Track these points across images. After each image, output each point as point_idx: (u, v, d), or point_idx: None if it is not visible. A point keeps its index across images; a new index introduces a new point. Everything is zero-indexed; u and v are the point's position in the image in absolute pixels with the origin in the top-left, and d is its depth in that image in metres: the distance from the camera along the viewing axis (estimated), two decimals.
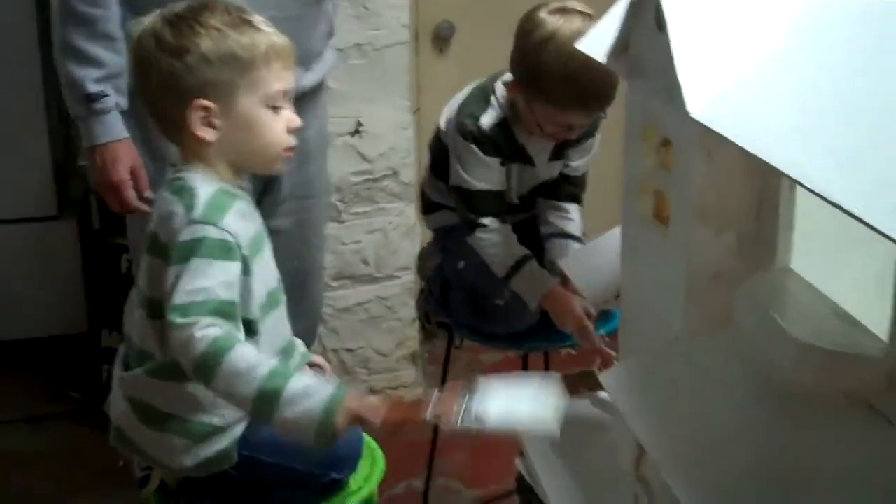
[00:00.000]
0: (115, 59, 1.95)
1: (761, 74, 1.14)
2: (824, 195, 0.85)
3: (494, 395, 1.37)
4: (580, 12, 1.93)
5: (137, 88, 1.53)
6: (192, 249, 1.41)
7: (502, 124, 2.01)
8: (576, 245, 2.07)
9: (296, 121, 1.51)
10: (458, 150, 2.06)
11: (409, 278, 2.94)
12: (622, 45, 1.36)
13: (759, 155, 1.03)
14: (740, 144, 1.07)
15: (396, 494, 2.51)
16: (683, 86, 1.14)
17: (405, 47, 2.77)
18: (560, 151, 2.07)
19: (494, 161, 2.03)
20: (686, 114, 1.14)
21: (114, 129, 1.97)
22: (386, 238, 2.88)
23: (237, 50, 1.43)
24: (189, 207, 1.44)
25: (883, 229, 0.75)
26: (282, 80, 1.48)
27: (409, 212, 2.89)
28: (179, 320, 1.37)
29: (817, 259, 1.19)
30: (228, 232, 1.43)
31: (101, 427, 2.78)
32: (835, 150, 0.92)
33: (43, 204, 3.14)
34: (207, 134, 1.44)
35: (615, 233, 1.55)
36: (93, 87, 1.94)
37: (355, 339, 2.88)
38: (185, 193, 1.45)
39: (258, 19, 1.49)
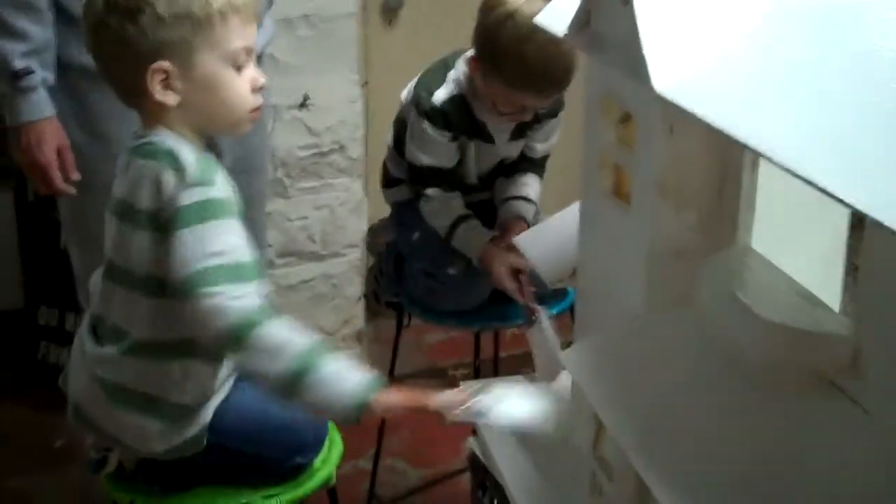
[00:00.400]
0: (41, 31, 1.86)
1: (725, 50, 1.13)
2: (785, 164, 0.84)
3: (499, 394, 1.38)
4: None
5: (91, 53, 1.46)
6: (201, 212, 1.35)
7: (457, 100, 1.98)
8: (528, 206, 2.06)
9: (260, 79, 1.45)
10: (411, 124, 2.03)
11: (356, 256, 2.91)
12: (584, 19, 1.34)
13: (722, 128, 1.01)
14: (703, 118, 1.06)
15: (344, 474, 2.48)
16: (648, 61, 1.13)
17: (353, 18, 2.72)
18: (521, 131, 2.05)
19: (444, 136, 2.01)
20: (650, 89, 1.12)
21: (40, 107, 1.88)
22: (333, 214, 2.84)
23: (192, 7, 1.37)
24: (180, 170, 1.37)
25: (842, 196, 0.74)
26: (242, 36, 1.41)
27: (357, 187, 2.85)
28: (205, 289, 1.32)
29: (778, 237, 1.18)
30: (226, 188, 1.39)
31: (36, 405, 2.73)
32: (798, 123, 0.91)
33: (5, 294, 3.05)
34: (168, 98, 1.38)
35: (573, 209, 1.54)
36: (18, 63, 1.85)
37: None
38: (166, 157, 1.38)
39: None
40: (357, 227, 2.88)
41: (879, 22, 0.91)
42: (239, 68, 1.42)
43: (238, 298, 1.32)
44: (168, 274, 1.36)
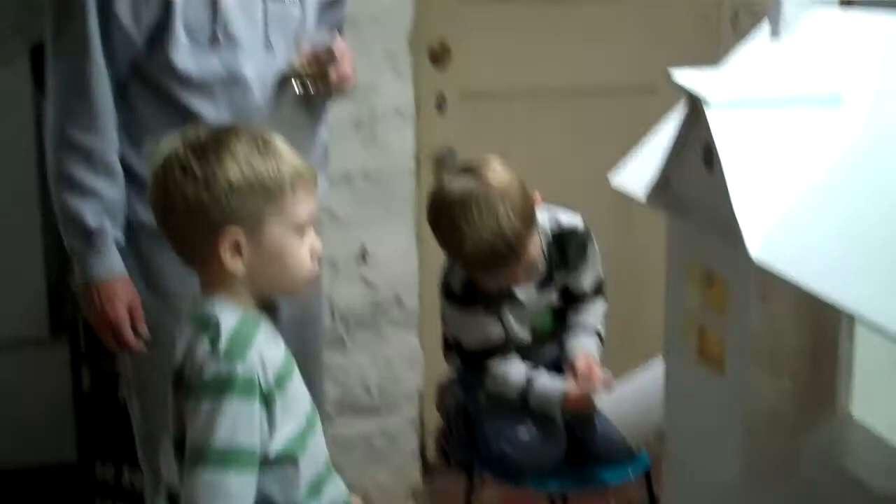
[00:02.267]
0: (115, 191, 1.90)
1: (812, 209, 1.13)
2: (885, 329, 0.82)
3: None
4: (476, 174, 1.92)
5: (160, 218, 1.48)
6: (220, 388, 1.36)
7: (470, 279, 2.01)
8: (589, 340, 2.05)
9: (319, 245, 1.48)
10: (444, 312, 2.09)
11: (413, 409, 2.88)
12: (664, 181, 1.35)
13: (821, 294, 1.00)
14: (800, 284, 1.05)
15: None
16: (743, 227, 1.12)
17: (410, 174, 2.77)
18: (548, 280, 2.04)
19: (478, 312, 2.02)
20: (745, 255, 1.12)
21: (112, 264, 1.91)
22: (389, 368, 2.83)
23: (265, 177, 1.40)
24: (213, 341, 1.39)
25: None
26: (307, 205, 1.45)
27: (413, 341, 2.84)
28: (201, 468, 1.34)
29: (878, 404, 1.16)
30: (255, 366, 1.39)
31: None
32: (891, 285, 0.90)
33: (35, 325, 3.08)
34: (236, 264, 1.40)
35: (655, 369, 1.52)
36: (92, 221, 1.88)
37: (356, 473, 2.80)
38: (208, 327, 1.40)
39: (280, 144, 1.46)
40: (413, 381, 2.86)
41: None
42: (302, 235, 1.44)
43: (229, 492, 1.35)
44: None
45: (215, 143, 1.40)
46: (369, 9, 2.57)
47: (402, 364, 2.85)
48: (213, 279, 1.43)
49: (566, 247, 2.03)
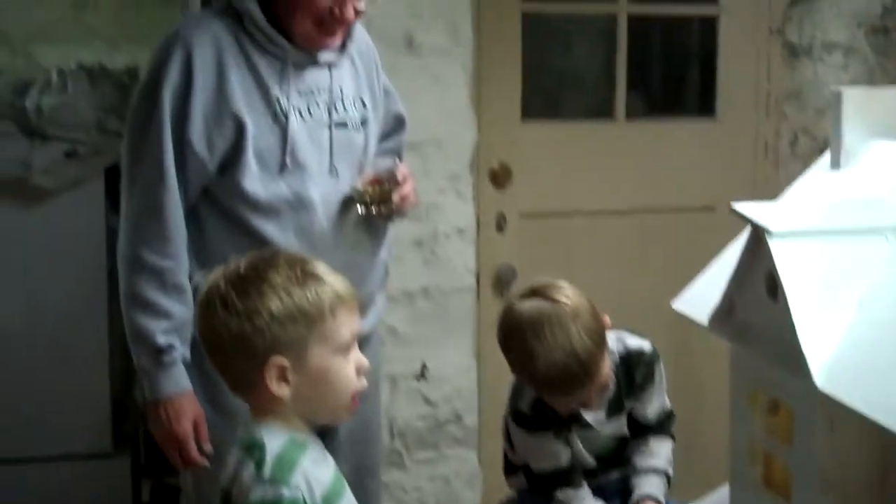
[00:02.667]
0: (184, 310, 1.95)
1: (876, 339, 1.15)
2: None
3: None
4: (547, 297, 1.91)
5: (207, 349, 1.51)
6: None
7: (541, 401, 2.00)
8: (655, 478, 2.02)
9: (365, 362, 1.49)
10: (513, 435, 2.07)
11: None
12: (727, 309, 1.37)
13: (888, 426, 1.01)
14: (867, 415, 1.06)
15: None
16: (808, 357, 1.14)
17: (470, 291, 2.81)
18: (617, 407, 2.04)
19: (547, 436, 2.01)
20: (811, 385, 1.13)
21: (179, 381, 1.95)
22: (448, 486, 2.82)
23: (305, 305, 1.42)
24: (259, 465, 1.40)
25: None
26: (350, 325, 1.47)
27: (472, 458, 2.84)
28: None
29: None
30: (300, 489, 1.40)
31: None
32: None
33: (98, 439, 3.12)
34: (283, 390, 1.42)
35: (721, 499, 1.51)
36: (161, 340, 1.93)
37: None
38: (254, 451, 1.42)
39: (320, 268, 1.49)
40: (472, 500, 2.85)
41: None
42: (346, 354, 1.47)
43: None
44: None
45: (255, 275, 1.43)
46: (433, 134, 2.66)
47: (461, 482, 2.85)
48: (262, 405, 1.45)
49: (634, 370, 2.03)
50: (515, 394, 2.04)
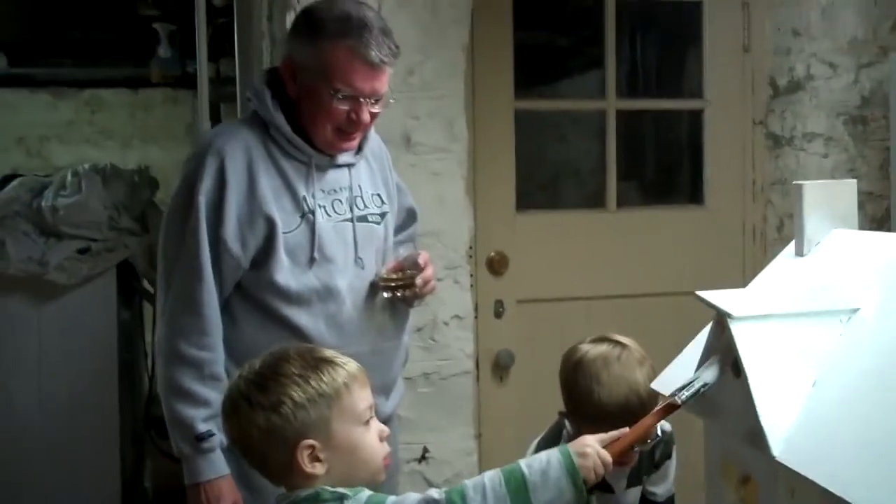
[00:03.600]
0: (221, 397, 2.05)
1: (830, 413, 1.24)
2: None
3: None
4: (614, 341, 2.02)
5: (241, 449, 1.61)
6: None
7: None
8: None
9: (385, 429, 1.61)
10: None
11: None
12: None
13: (841, 497, 1.11)
14: (822, 485, 1.15)
15: None
16: (766, 431, 1.24)
17: (469, 376, 2.91)
18: (638, 476, 2.13)
19: None
20: (770, 457, 1.23)
21: (218, 465, 2.05)
22: None
23: (322, 387, 1.54)
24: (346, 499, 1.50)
25: None
26: (364, 398, 1.58)
27: None
28: None
29: None
30: None
31: None
32: None
33: None
34: (318, 469, 1.53)
35: None
36: (201, 427, 2.03)
37: None
38: (334, 497, 1.51)
39: (328, 353, 1.61)
40: None
41: None
42: (367, 424, 1.57)
43: None
44: None
45: (271, 371, 1.55)
46: (432, 226, 2.77)
47: None
48: (299, 486, 1.55)
49: (655, 447, 2.12)
50: (546, 447, 2.11)
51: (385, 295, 2.21)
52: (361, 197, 2.23)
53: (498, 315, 3.11)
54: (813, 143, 3.18)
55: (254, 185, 2.09)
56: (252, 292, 2.12)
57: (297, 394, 1.52)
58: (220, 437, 2.04)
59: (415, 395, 2.83)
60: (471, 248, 3.01)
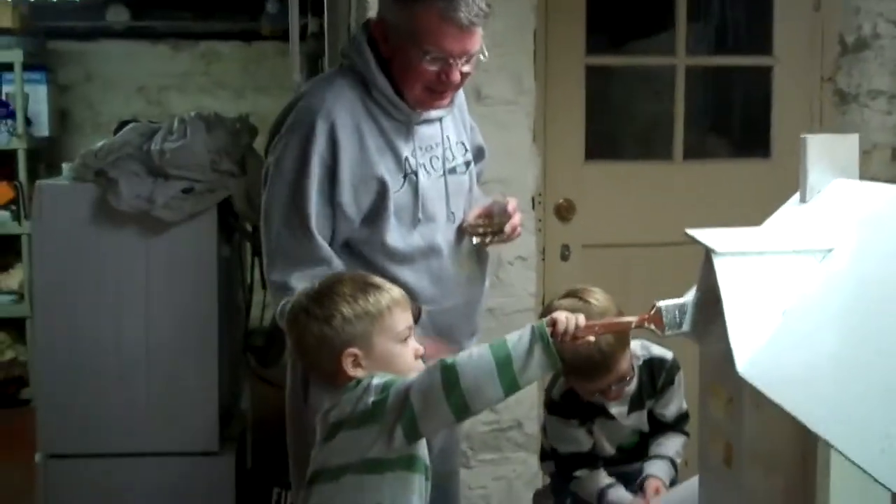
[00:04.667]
0: None
1: (796, 338, 1.42)
2: (842, 451, 1.09)
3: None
4: (579, 297, 2.17)
5: (297, 352, 1.87)
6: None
7: (570, 391, 2.29)
8: (662, 463, 2.30)
9: (420, 349, 1.84)
10: (545, 421, 2.39)
11: None
12: (695, 315, 1.66)
13: (791, 411, 1.29)
14: (776, 401, 1.33)
15: None
16: (735, 351, 1.42)
17: (532, 313, 3.11)
18: (640, 402, 2.31)
19: (573, 424, 2.31)
20: (736, 373, 1.41)
21: None
22: (510, 486, 3.11)
23: (368, 307, 1.80)
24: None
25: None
26: (404, 320, 1.83)
27: (532, 461, 3.12)
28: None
29: (852, 496, 1.40)
30: None
31: None
32: (856, 408, 1.17)
33: (207, 440, 3.49)
34: (358, 372, 1.78)
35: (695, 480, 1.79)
36: None
37: None
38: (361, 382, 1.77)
39: (377, 280, 1.85)
40: (530, 500, 3.12)
41: None
42: (404, 342, 1.81)
43: None
44: None
45: (328, 290, 1.82)
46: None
47: (521, 483, 3.13)
48: (344, 385, 1.81)
49: (656, 374, 2.31)
50: (550, 385, 2.35)
51: (474, 241, 2.28)
52: (450, 148, 2.26)
53: (564, 258, 3.30)
54: (877, 101, 3.27)
55: (364, 148, 2.12)
56: (360, 252, 2.19)
57: (346, 310, 1.78)
58: None
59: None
60: (539, 195, 3.20)
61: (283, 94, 6.06)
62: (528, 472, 3.15)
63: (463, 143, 2.32)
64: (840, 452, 1.11)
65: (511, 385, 1.66)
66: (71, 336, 3.40)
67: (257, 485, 3.57)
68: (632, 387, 2.27)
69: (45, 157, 5.53)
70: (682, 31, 3.33)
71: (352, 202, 2.15)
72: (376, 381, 1.73)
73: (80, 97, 5.94)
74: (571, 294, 2.22)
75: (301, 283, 2.05)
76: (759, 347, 1.43)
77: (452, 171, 2.27)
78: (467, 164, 2.31)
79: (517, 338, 1.70)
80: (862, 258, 1.49)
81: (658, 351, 2.34)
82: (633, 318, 1.75)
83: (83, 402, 3.39)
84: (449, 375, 1.64)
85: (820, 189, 1.78)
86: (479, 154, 2.50)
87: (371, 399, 1.71)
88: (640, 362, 2.30)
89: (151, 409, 3.43)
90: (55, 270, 3.41)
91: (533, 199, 3.14)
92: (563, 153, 3.28)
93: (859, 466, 1.05)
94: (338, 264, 2.14)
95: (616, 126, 3.60)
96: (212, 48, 6.31)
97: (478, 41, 2.12)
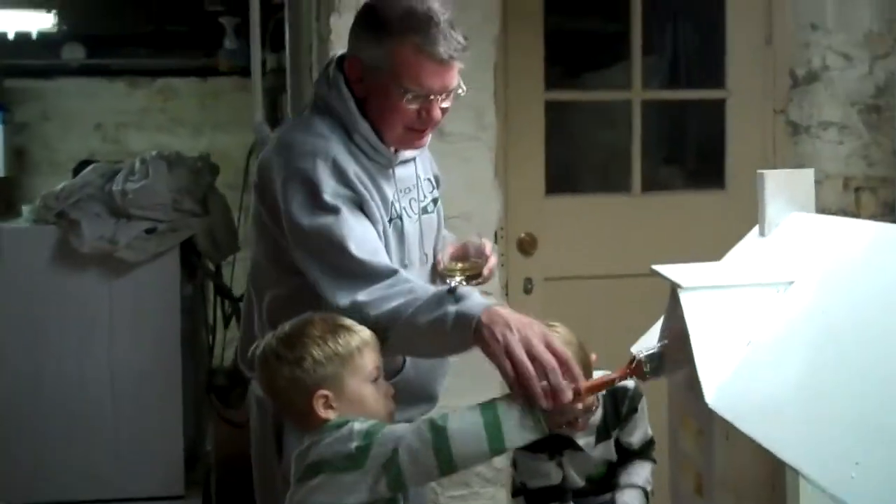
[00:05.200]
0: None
1: (760, 371, 1.45)
2: (812, 479, 1.13)
3: None
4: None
5: (268, 394, 1.87)
6: None
7: None
8: (634, 492, 2.33)
9: (390, 388, 1.86)
10: (515, 456, 2.40)
11: None
12: (660, 351, 1.70)
13: (760, 440, 1.32)
14: (746, 431, 1.37)
15: None
16: (703, 383, 1.46)
17: None
18: (606, 432, 2.35)
19: (543, 457, 2.33)
20: (705, 405, 1.45)
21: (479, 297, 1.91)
22: None
23: (339, 349, 1.81)
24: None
25: None
26: (372, 360, 1.84)
27: (501, 496, 3.14)
28: None
29: None
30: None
31: None
32: (823, 436, 1.21)
33: (172, 484, 3.48)
34: (330, 414, 1.79)
35: None
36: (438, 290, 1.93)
37: None
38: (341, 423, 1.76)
39: (347, 322, 1.85)
40: None
41: None
42: (374, 382, 1.83)
43: None
44: None
45: (298, 332, 1.82)
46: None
47: None
48: (316, 427, 1.82)
49: (619, 402, 2.35)
50: None
51: (452, 284, 2.12)
52: (420, 187, 2.21)
53: (527, 291, 3.34)
54: (828, 131, 3.35)
55: (366, 190, 2.04)
56: None
57: (316, 352, 1.79)
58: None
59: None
60: (502, 228, 3.24)
61: (241, 130, 6.07)
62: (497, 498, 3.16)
63: (430, 180, 2.27)
64: (810, 481, 1.14)
65: (498, 450, 1.70)
66: (34, 380, 3.39)
67: None
68: (597, 417, 2.29)
69: (2, 196, 5.50)
70: (638, 65, 3.40)
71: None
72: (358, 426, 1.74)
73: (37, 135, 5.91)
74: None
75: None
76: (726, 379, 1.47)
77: (424, 210, 2.22)
78: (435, 201, 2.28)
79: (506, 405, 1.70)
80: (822, 290, 1.53)
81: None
82: (615, 375, 1.78)
83: (46, 448, 3.38)
84: (439, 440, 1.66)
85: (778, 223, 1.83)
86: (437, 182, 2.39)
87: (354, 444, 1.72)
88: (604, 392, 2.33)
89: (116, 452, 3.43)
90: (17, 314, 3.40)
91: (496, 234, 3.18)
92: (524, 187, 3.32)
93: (830, 494, 1.08)
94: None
95: (575, 159, 3.66)
96: (169, 84, 6.31)
97: (456, 76, 2.06)
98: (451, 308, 1.85)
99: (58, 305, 3.41)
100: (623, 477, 2.37)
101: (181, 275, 3.51)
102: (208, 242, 3.57)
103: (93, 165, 3.67)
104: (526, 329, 1.77)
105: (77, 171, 3.85)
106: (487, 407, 1.70)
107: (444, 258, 2.18)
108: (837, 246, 1.61)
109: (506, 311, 1.83)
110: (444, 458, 1.66)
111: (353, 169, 2.03)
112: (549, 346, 1.75)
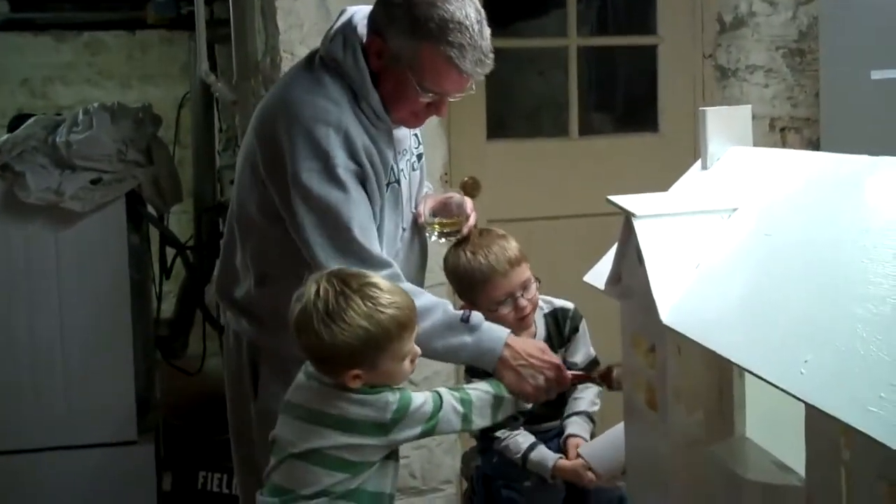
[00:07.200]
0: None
1: (709, 287, 1.57)
2: (763, 376, 1.25)
3: None
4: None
5: (303, 350, 1.87)
6: None
7: None
8: (580, 420, 2.43)
9: (417, 350, 1.90)
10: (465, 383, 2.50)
11: (452, 490, 3.28)
12: (616, 277, 1.82)
13: (715, 350, 1.45)
14: (699, 341, 1.49)
15: None
16: (657, 302, 1.58)
17: (444, 287, 3.22)
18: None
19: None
20: (660, 322, 1.57)
21: (498, 329, 2.15)
22: (431, 454, 3.24)
23: (379, 333, 1.81)
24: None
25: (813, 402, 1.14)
26: (409, 340, 1.88)
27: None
28: None
29: (764, 426, 1.58)
30: None
31: None
32: (771, 340, 1.33)
33: (124, 430, 3.53)
34: (356, 383, 1.84)
35: (620, 426, 1.95)
36: (455, 311, 2.12)
37: None
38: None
39: (388, 299, 1.83)
40: (451, 465, 3.27)
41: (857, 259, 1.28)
42: (406, 358, 1.89)
43: None
44: None
45: (340, 310, 1.81)
46: None
47: (441, 451, 3.27)
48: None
49: (561, 323, 2.46)
50: None
51: (433, 238, 2.26)
52: (409, 146, 2.25)
53: None
54: (755, 75, 3.50)
55: (370, 164, 2.08)
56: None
57: (357, 333, 1.81)
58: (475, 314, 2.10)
59: None
60: (446, 174, 3.33)
61: (170, 82, 6.06)
62: (447, 439, 3.28)
63: (416, 136, 2.31)
64: (761, 378, 1.26)
65: (494, 422, 2.08)
66: None
67: (179, 471, 3.63)
68: (541, 337, 2.41)
69: None
70: (573, 13, 3.50)
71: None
72: (391, 398, 1.84)
73: None
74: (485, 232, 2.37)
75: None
76: (678, 299, 1.59)
77: (412, 167, 2.26)
78: (419, 156, 2.32)
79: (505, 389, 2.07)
80: (765, 215, 1.66)
81: (560, 302, 2.49)
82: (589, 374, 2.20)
83: None
84: (467, 425, 1.99)
85: (719, 157, 1.95)
86: (420, 138, 2.41)
87: (388, 416, 1.83)
88: (545, 312, 2.45)
89: (68, 401, 3.46)
90: None
91: (441, 178, 3.27)
92: (466, 133, 3.41)
93: (781, 388, 1.21)
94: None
95: (515, 105, 3.76)
96: (96, 38, 6.25)
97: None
98: (468, 339, 2.04)
99: (4, 257, 3.41)
100: (570, 402, 2.48)
101: (127, 224, 3.53)
102: (154, 192, 3.60)
103: (35, 118, 3.67)
104: (532, 357, 2.12)
105: (12, 125, 3.84)
106: (496, 388, 2.06)
107: (425, 211, 2.25)
108: (776, 175, 1.74)
109: (518, 344, 2.11)
110: (466, 427, 2.01)
111: (361, 140, 2.06)
112: (543, 354, 2.13)
